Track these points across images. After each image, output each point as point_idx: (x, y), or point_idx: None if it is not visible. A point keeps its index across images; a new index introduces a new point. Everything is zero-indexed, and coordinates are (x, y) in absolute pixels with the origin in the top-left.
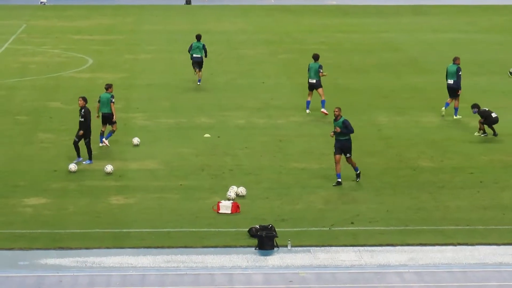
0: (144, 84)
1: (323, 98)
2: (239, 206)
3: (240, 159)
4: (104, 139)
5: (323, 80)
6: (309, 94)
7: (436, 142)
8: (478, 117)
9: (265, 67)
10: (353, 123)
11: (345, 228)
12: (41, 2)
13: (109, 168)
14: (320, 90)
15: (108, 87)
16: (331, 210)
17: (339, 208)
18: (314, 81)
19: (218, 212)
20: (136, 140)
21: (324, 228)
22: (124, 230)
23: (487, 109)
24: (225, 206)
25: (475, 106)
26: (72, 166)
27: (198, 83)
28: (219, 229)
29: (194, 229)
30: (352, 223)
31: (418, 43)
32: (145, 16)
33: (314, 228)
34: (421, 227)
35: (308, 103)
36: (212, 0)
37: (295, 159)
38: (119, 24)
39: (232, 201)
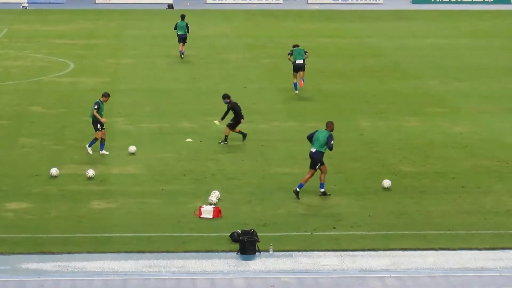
0: (127, 89)
1: (302, 76)
2: (221, 210)
3: (222, 163)
4: (101, 151)
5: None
6: (295, 76)
7: (418, 147)
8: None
9: (248, 72)
10: (336, 128)
11: (327, 233)
12: (22, 6)
13: (90, 172)
14: (303, 73)
15: (105, 95)
16: (313, 215)
17: (321, 213)
18: (301, 61)
19: (200, 217)
20: (133, 149)
21: (306, 233)
22: (106, 235)
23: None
24: (207, 211)
25: (226, 96)
26: (54, 171)
27: (182, 56)
28: (201, 234)
29: (176, 234)
30: (334, 227)
31: (400, 48)
32: (127, 20)
33: (296, 233)
34: (403, 231)
35: (295, 84)
36: (194, 5)
37: (277, 164)
38: (102, 28)
39: (214, 206)
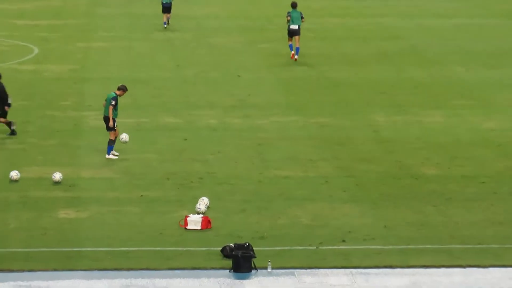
0: (99, 78)
1: (298, 46)
2: (211, 221)
3: (211, 165)
4: (107, 156)
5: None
6: (289, 40)
7: (443, 145)
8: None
9: (242, 58)
10: (346, 124)
11: (335, 247)
12: None
13: (57, 176)
14: (298, 37)
15: (121, 88)
16: (319, 226)
17: (329, 224)
18: (296, 26)
19: (185, 228)
20: (125, 137)
21: (311, 247)
22: (75, 249)
23: None
24: (194, 221)
25: None
26: (14, 174)
27: (165, 25)
28: (187, 248)
29: (157, 248)
30: (343, 241)
31: (421, 29)
32: None
33: (299, 247)
34: (425, 245)
35: (291, 46)
36: None
37: (277, 166)
38: (70, 6)
39: (202, 215)
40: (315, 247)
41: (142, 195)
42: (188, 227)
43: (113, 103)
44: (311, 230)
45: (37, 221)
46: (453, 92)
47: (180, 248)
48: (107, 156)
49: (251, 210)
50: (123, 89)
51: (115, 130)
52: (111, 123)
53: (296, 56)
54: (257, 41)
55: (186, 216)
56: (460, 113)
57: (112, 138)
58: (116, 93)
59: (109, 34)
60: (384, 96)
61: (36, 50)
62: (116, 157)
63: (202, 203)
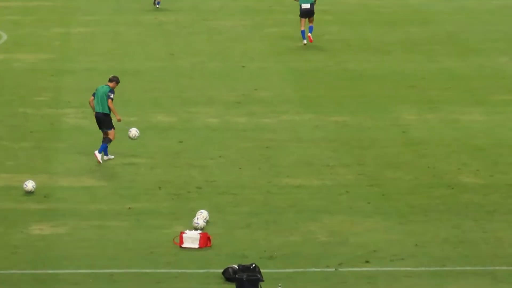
0: (80, 69)
1: (311, 24)
2: (210, 238)
3: (211, 172)
4: (96, 153)
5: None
6: (302, 22)
7: (483, 149)
8: None
9: (247, 46)
10: (369, 123)
11: (357, 269)
12: None
13: (30, 184)
14: (312, 18)
15: (113, 79)
16: (338, 244)
17: (350, 241)
18: (308, 5)
19: (181, 247)
20: (134, 131)
21: (329, 269)
22: (50, 271)
23: None
24: (191, 238)
25: None
26: None
27: (157, 5)
28: (183, 270)
29: (148, 270)
30: (367, 261)
31: (457, 12)
32: None
33: (314, 269)
34: (463, 267)
35: (303, 33)
36: None
37: (288, 172)
38: None
39: (200, 231)
40: (333, 269)
41: (129, 207)
42: (184, 245)
43: (112, 96)
44: (329, 249)
45: (5, 238)
46: (495, 86)
47: (174, 270)
48: (105, 157)
49: (258, 225)
50: (115, 80)
51: (113, 128)
52: (118, 117)
53: (309, 35)
54: (265, 25)
55: (182, 232)
56: (503, 111)
57: (112, 137)
58: (109, 86)
59: (92, 18)
60: (413, 90)
61: (4, 37)
62: (111, 158)
63: (201, 217)
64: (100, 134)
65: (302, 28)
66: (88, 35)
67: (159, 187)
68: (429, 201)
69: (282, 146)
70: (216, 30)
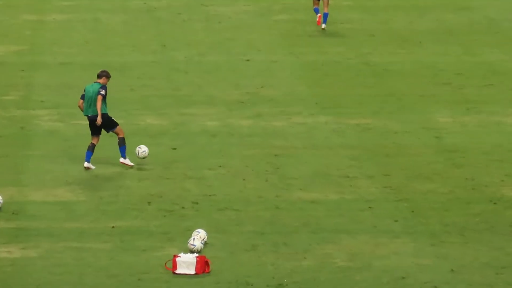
0: (55, 63)
1: (326, 11)
2: (209, 262)
3: (210, 185)
4: (123, 160)
5: None
6: (315, 3)
7: None
8: None
9: (252, 36)
10: (396, 126)
11: None
12: None
13: None
14: (327, 0)
15: (103, 75)
16: (360, 269)
17: (373, 266)
18: None
19: (174, 273)
20: (143, 150)
21: None
22: None
23: None
24: (186, 263)
25: None
26: None
27: None
28: None
29: None
30: None
31: None
32: None
33: None
34: None
35: (316, 10)
36: None
37: (300, 185)
38: None
39: (197, 255)
40: None
41: (113, 226)
42: (178, 271)
43: (102, 92)
44: (349, 275)
45: None
46: None
47: None
48: (121, 160)
49: (264, 247)
50: (105, 75)
51: (118, 123)
52: (99, 118)
53: (323, 25)
54: (272, 11)
55: (175, 256)
56: None
57: (123, 134)
58: (100, 82)
59: (68, 3)
60: (448, 88)
61: None
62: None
63: (197, 238)
64: (84, 140)
65: (315, 6)
66: (65, 23)
67: (149, 202)
68: (466, 219)
69: (294, 154)
70: (215, 17)
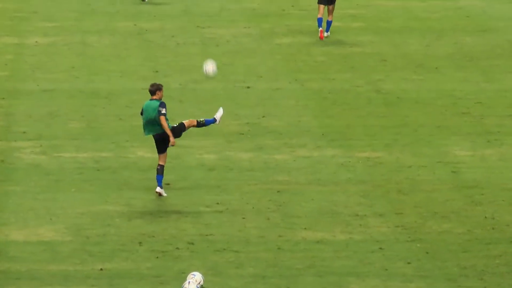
0: (37, 90)
1: (330, 19)
2: None
3: (207, 223)
4: (158, 190)
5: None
6: (320, 10)
7: None
8: None
9: (253, 61)
10: (409, 160)
11: None
12: None
13: None
14: (332, 7)
15: (155, 89)
16: None
17: None
18: None
19: None
20: (211, 68)
21: None
22: None
23: None
24: None
25: None
26: None
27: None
28: None
29: None
30: None
31: None
32: None
33: None
34: None
35: (320, 21)
36: None
37: (305, 224)
38: None
39: None
40: None
41: (101, 269)
42: None
43: (163, 111)
44: None
45: None
46: None
47: None
48: (158, 190)
49: None
50: (158, 88)
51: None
52: (172, 139)
53: (326, 33)
54: (275, 34)
55: None
56: None
57: (163, 163)
58: (156, 99)
59: (52, 24)
60: (467, 118)
61: None
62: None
63: (193, 281)
64: (69, 174)
65: (319, 16)
66: (48, 47)
67: (140, 243)
68: (486, 261)
69: (298, 190)
70: (213, 41)
